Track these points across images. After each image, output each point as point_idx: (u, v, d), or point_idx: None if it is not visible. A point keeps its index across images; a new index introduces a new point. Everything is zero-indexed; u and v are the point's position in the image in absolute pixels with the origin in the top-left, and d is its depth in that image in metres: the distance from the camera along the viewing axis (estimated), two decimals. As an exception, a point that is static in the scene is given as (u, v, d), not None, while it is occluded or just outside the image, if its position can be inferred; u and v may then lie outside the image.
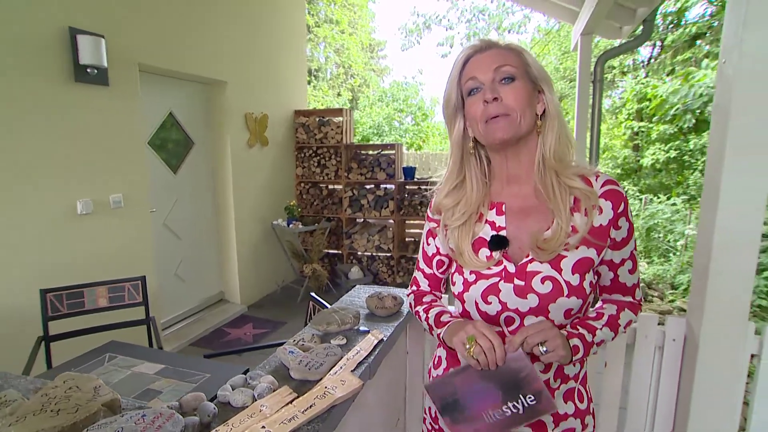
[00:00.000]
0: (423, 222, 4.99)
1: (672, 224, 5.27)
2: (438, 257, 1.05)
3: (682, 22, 5.85)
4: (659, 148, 5.42)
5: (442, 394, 0.90)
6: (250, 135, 4.19)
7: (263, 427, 0.77)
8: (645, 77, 6.59)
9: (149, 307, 2.27)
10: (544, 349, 0.81)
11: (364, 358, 1.06)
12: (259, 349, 2.18)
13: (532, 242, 0.86)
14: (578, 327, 0.88)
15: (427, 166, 10.60)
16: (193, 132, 3.77)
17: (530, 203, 0.91)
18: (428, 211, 1.06)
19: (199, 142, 3.84)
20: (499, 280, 0.89)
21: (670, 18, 6.32)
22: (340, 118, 4.94)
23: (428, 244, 1.07)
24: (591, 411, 0.98)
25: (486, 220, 0.94)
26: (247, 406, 0.85)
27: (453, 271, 0.99)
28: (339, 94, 14.50)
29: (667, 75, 6.11)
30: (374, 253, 4.99)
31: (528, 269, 0.87)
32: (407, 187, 4.87)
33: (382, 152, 4.98)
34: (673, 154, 5.20)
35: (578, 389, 0.95)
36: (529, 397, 0.83)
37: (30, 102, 2.34)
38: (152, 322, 2.23)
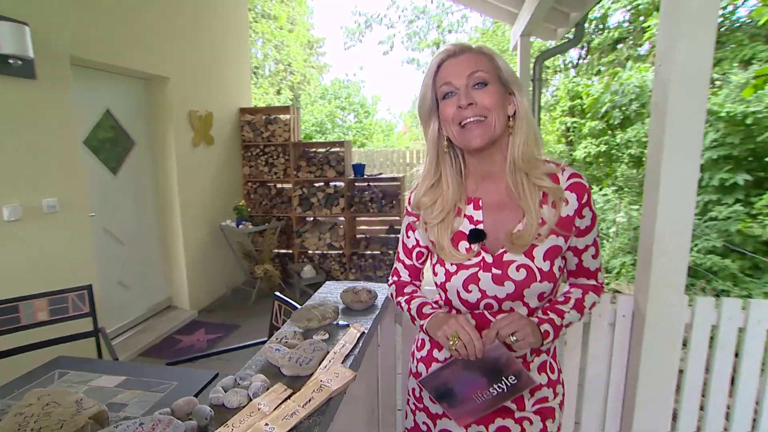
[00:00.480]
0: (374, 219, 5.08)
1: (604, 213, 5.71)
2: (417, 249, 1.10)
3: (606, 27, 6.36)
4: (590, 143, 5.86)
5: (435, 385, 0.99)
6: (194, 134, 4.00)
7: (266, 424, 0.77)
8: (575, 76, 7.08)
9: (97, 317, 2.12)
10: (515, 338, 0.88)
11: (350, 351, 1.08)
12: (228, 351, 2.11)
13: (507, 239, 0.93)
14: (548, 312, 0.96)
15: (373, 162, 10.66)
16: (134, 131, 3.55)
17: (504, 198, 0.98)
18: (407, 206, 1.10)
19: (140, 141, 3.61)
20: (478, 270, 0.95)
21: (595, 22, 6.84)
22: (288, 116, 4.86)
23: (408, 237, 1.11)
24: (561, 381, 1.08)
25: (464, 215, 0.99)
26: (243, 406, 0.84)
27: (434, 262, 1.04)
28: (279, 92, 14.19)
29: (595, 75, 6.61)
30: (326, 251, 4.96)
31: (504, 259, 0.93)
32: (357, 184, 4.89)
33: (331, 150, 4.96)
34: (603, 148, 5.64)
35: (549, 362, 1.04)
36: (511, 378, 0.93)
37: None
38: (102, 333, 2.10)
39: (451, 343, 0.90)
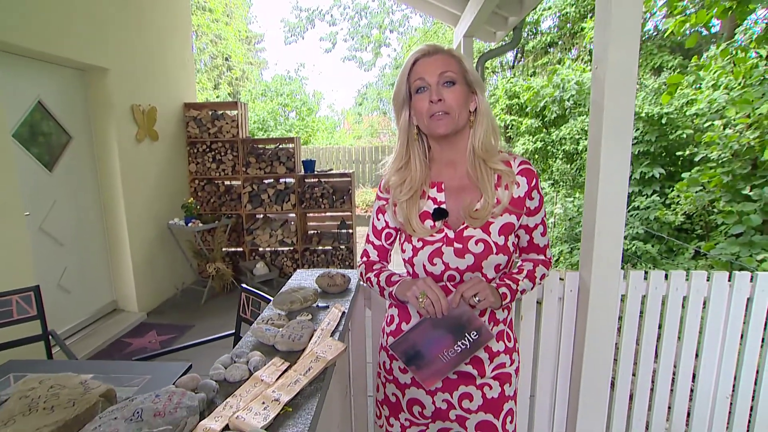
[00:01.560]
0: (324, 215, 5.10)
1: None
2: (386, 230, 1.20)
3: (538, 32, 6.81)
4: (528, 140, 6.25)
5: (404, 349, 1.08)
6: (138, 129, 3.82)
7: (274, 391, 0.83)
8: (512, 77, 7.51)
9: (46, 320, 2.02)
10: (477, 299, 1.00)
11: (336, 328, 1.15)
12: (199, 345, 2.09)
13: (466, 213, 1.06)
14: (505, 279, 1.10)
15: (319, 159, 10.63)
16: (70, 124, 3.33)
17: (464, 182, 1.11)
18: (378, 190, 1.21)
19: (78, 135, 3.40)
20: (442, 245, 1.07)
21: (528, 27, 7.30)
22: (235, 112, 4.76)
23: (378, 219, 1.21)
24: (516, 349, 1.22)
25: (428, 197, 1.12)
26: (245, 380, 0.89)
27: (402, 240, 1.15)
28: (216, 86, 13.70)
29: (530, 76, 7.07)
30: (278, 248, 4.93)
31: (464, 234, 1.06)
32: (307, 180, 4.90)
33: (281, 146, 4.92)
34: (539, 145, 6.05)
35: (506, 331, 1.17)
36: (473, 333, 1.04)
37: None
38: (53, 335, 1.99)
39: (420, 300, 1.01)
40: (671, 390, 1.86)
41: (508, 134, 6.67)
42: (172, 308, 4.10)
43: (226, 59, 13.87)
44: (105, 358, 3.02)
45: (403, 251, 1.13)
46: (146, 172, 4.00)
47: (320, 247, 4.94)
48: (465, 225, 1.06)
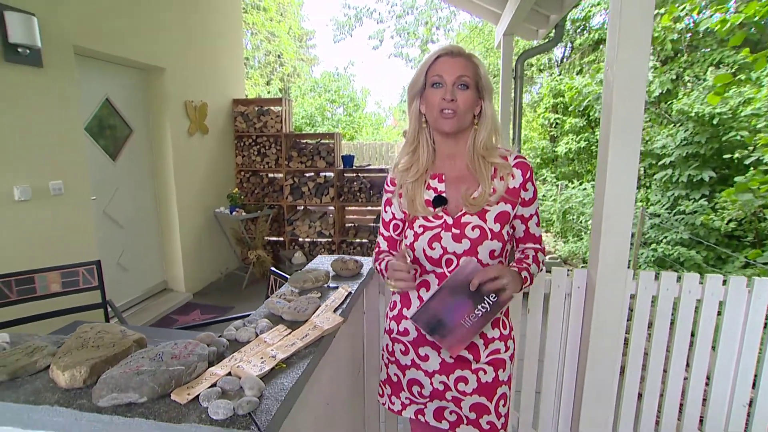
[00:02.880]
0: (362, 208, 5.27)
1: (584, 207, 5.98)
2: (394, 221, 1.31)
3: (587, 28, 6.60)
4: (572, 139, 6.11)
5: (426, 319, 1.11)
6: (190, 123, 4.16)
7: (272, 350, 0.97)
8: (558, 75, 7.34)
9: (105, 290, 2.30)
10: (494, 298, 1.07)
11: (339, 305, 1.29)
12: (231, 320, 2.31)
13: (465, 200, 1.16)
14: (517, 265, 1.17)
15: (362, 155, 10.84)
16: (132, 119, 3.69)
17: (463, 174, 1.21)
18: (385, 184, 1.32)
19: (138, 129, 3.76)
20: (440, 230, 1.16)
21: (577, 23, 7.09)
22: (279, 108, 5.02)
23: (386, 212, 1.33)
24: (512, 337, 1.28)
25: (429, 186, 1.22)
26: (251, 340, 1.04)
27: (405, 228, 1.26)
28: (268, 83, 14.23)
29: (577, 74, 6.88)
30: (316, 239, 5.15)
31: (462, 221, 1.15)
32: (346, 174, 5.08)
33: (321, 141, 5.13)
34: (583, 144, 5.91)
35: (502, 319, 1.25)
36: (491, 296, 1.08)
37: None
38: (110, 304, 2.27)
39: (392, 285, 1.12)
40: (682, 392, 1.85)
41: (552, 133, 6.57)
42: (215, 290, 4.43)
43: (278, 56, 14.39)
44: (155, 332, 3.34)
45: (405, 237, 1.23)
46: (196, 163, 4.33)
47: (357, 240, 5.11)
48: (463, 212, 1.15)
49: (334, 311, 1.23)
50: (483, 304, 1.08)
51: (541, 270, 1.27)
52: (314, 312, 1.20)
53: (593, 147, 6.75)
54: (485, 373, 1.21)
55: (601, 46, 6.42)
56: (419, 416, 1.27)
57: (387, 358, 1.34)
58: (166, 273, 4.18)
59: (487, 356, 1.21)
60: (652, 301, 1.77)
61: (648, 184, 6.01)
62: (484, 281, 1.06)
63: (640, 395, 1.86)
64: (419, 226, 1.19)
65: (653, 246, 4.81)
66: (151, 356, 0.86)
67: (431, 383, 1.23)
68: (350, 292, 1.39)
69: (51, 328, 1.97)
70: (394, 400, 1.32)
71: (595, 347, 1.71)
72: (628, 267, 1.65)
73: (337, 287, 1.43)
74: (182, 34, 4.06)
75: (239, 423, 0.74)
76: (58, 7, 2.75)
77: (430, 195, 1.20)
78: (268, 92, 13.65)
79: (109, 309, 2.29)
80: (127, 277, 3.66)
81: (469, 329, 1.10)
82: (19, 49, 2.49)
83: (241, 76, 5.31)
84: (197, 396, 0.79)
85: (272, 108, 5.04)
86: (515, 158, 1.19)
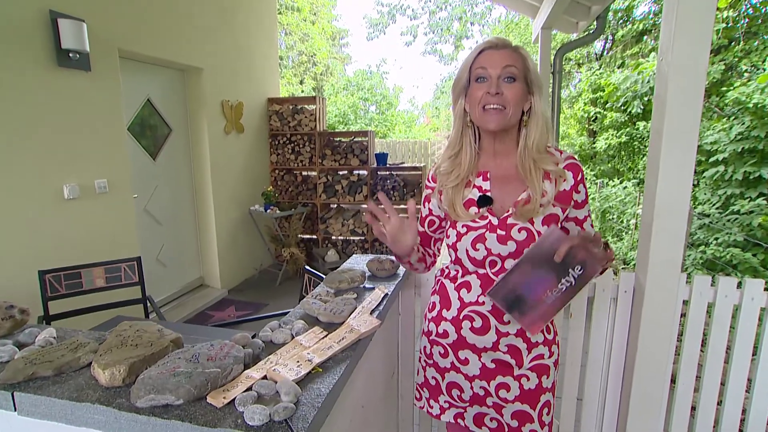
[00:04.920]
0: (396, 206, 5.23)
1: (624, 206, 5.73)
2: (430, 217, 1.27)
3: (630, 19, 6.30)
4: (612, 134, 5.85)
5: (503, 294, 1.03)
6: (226, 122, 4.24)
7: (308, 353, 0.95)
8: (599, 69, 7.05)
9: (145, 286, 2.36)
10: (580, 270, 0.99)
11: (375, 307, 1.25)
12: (266, 318, 2.34)
13: (518, 212, 1.08)
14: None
15: (395, 153, 10.80)
16: (171, 118, 3.80)
17: (510, 173, 1.14)
18: (427, 179, 1.27)
19: (176, 128, 3.86)
20: (485, 231, 1.10)
21: (620, 14, 6.78)
22: (313, 106, 5.05)
23: (423, 207, 1.29)
24: (556, 342, 1.22)
25: (474, 185, 1.16)
26: (287, 342, 1.02)
27: (448, 226, 1.20)
28: (302, 82, 14.40)
29: (618, 67, 6.58)
30: (349, 237, 5.16)
31: (508, 222, 1.09)
32: (380, 173, 5.06)
33: (355, 139, 5.13)
34: (624, 139, 5.64)
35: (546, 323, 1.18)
36: (577, 268, 0.98)
37: (15, 87, 2.35)
38: (150, 300, 2.33)
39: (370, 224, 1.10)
40: (744, 410, 1.72)
41: (592, 128, 6.30)
42: (250, 287, 4.51)
43: (312, 56, 14.54)
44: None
45: (448, 236, 1.18)
46: (232, 161, 4.42)
47: (389, 238, 5.08)
48: (509, 213, 1.09)
49: (371, 313, 1.20)
50: (567, 278, 0.98)
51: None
52: (350, 314, 1.17)
53: (635, 143, 6.46)
54: (528, 379, 1.15)
55: (645, 38, 6.12)
56: (459, 420, 1.23)
57: (425, 360, 1.29)
58: (203, 269, 4.28)
59: (530, 361, 1.15)
60: (708, 308, 1.65)
61: (696, 182, 5.69)
62: (575, 249, 0.96)
63: (693, 408, 1.74)
64: (462, 226, 1.13)
65: (701, 248, 4.54)
66: (188, 357, 0.85)
67: (471, 387, 1.18)
68: (387, 294, 1.36)
69: (96, 322, 2.03)
70: (432, 404, 1.27)
71: (644, 355, 1.61)
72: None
73: (373, 288, 1.40)
74: (219, 35, 4.14)
75: (275, 430, 0.72)
76: (104, 13, 2.85)
77: (475, 194, 1.14)
78: (302, 91, 13.82)
79: (149, 304, 2.36)
80: (165, 273, 3.77)
81: (551, 305, 1.01)
82: (70, 54, 2.60)
83: (276, 75, 5.38)
84: (233, 400, 0.78)
85: (306, 106, 5.08)
86: (566, 159, 1.12)
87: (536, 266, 1.00)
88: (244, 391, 0.80)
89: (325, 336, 1.05)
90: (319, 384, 0.86)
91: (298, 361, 0.91)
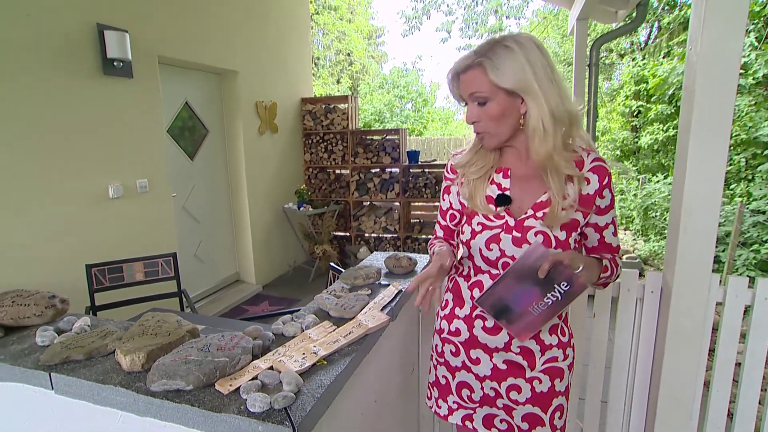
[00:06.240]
0: (427, 204, 5.23)
1: (669, 202, 5.44)
2: (451, 211, 1.23)
3: (678, 4, 5.95)
4: (658, 128, 5.55)
5: (491, 303, 1.04)
6: (260, 122, 4.37)
7: (314, 346, 0.99)
8: (642, 60, 6.70)
9: (180, 280, 2.49)
10: (566, 286, 0.98)
11: (387, 303, 1.27)
12: (292, 313, 2.41)
13: (546, 220, 1.03)
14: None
15: (429, 150, 10.76)
16: (207, 120, 3.96)
17: (531, 172, 1.08)
18: (445, 171, 1.24)
19: (212, 130, 4.03)
20: (501, 231, 1.07)
21: (665, 0, 6.42)
22: (346, 105, 5.11)
23: (443, 200, 1.25)
24: (572, 345, 1.18)
25: (493, 181, 1.12)
26: (297, 335, 1.06)
27: (463, 222, 1.17)
28: (338, 81, 14.56)
29: (663, 57, 6.22)
30: (381, 235, 5.20)
31: (525, 224, 1.05)
32: (411, 170, 5.06)
33: (387, 137, 5.15)
34: (671, 133, 5.34)
35: (561, 325, 1.15)
36: (563, 284, 0.98)
37: (66, 95, 2.53)
38: (184, 294, 2.46)
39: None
40: (784, 417, 1.62)
41: (634, 123, 6.00)
42: (283, 283, 4.64)
43: (348, 54, 14.69)
44: (227, 319, 3.58)
45: (462, 233, 1.15)
46: (266, 160, 4.56)
47: (422, 236, 5.09)
48: (527, 215, 1.05)
49: (382, 309, 1.22)
50: (553, 293, 0.99)
51: (619, 275, 1.15)
52: (361, 309, 1.20)
53: (683, 136, 6.10)
54: (540, 382, 1.12)
55: (693, 25, 5.74)
56: (467, 422, 1.21)
57: (436, 359, 1.28)
58: (239, 265, 4.45)
59: (543, 364, 1.12)
60: (745, 311, 1.56)
61: (750, 177, 5.32)
62: (556, 266, 0.95)
63: (730, 414, 1.66)
64: (477, 224, 1.10)
65: (755, 247, 4.26)
66: (199, 347, 0.91)
67: (482, 388, 1.16)
68: (400, 290, 1.37)
69: (135, 313, 2.16)
70: (441, 404, 1.25)
71: (671, 359, 1.54)
72: (720, 270, 1.46)
73: (388, 284, 1.42)
74: (253, 39, 4.27)
75: (274, 417, 0.76)
76: (145, 22, 3.02)
77: (494, 191, 1.10)
78: (338, 90, 13.99)
79: (185, 300, 2.48)
80: (203, 269, 3.94)
81: (537, 317, 1.02)
82: (115, 63, 2.77)
83: (309, 75, 5.49)
84: (238, 388, 0.82)
85: (339, 105, 5.15)
86: (592, 161, 1.04)
87: (520, 281, 1.00)
88: (250, 380, 0.84)
89: (334, 330, 1.08)
90: (321, 376, 0.89)
91: (303, 353, 0.95)
